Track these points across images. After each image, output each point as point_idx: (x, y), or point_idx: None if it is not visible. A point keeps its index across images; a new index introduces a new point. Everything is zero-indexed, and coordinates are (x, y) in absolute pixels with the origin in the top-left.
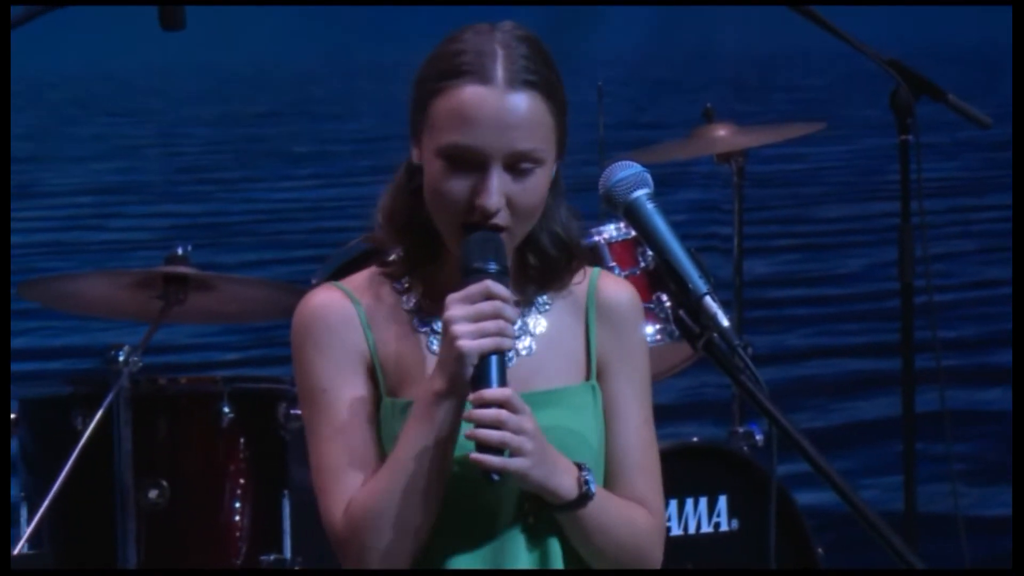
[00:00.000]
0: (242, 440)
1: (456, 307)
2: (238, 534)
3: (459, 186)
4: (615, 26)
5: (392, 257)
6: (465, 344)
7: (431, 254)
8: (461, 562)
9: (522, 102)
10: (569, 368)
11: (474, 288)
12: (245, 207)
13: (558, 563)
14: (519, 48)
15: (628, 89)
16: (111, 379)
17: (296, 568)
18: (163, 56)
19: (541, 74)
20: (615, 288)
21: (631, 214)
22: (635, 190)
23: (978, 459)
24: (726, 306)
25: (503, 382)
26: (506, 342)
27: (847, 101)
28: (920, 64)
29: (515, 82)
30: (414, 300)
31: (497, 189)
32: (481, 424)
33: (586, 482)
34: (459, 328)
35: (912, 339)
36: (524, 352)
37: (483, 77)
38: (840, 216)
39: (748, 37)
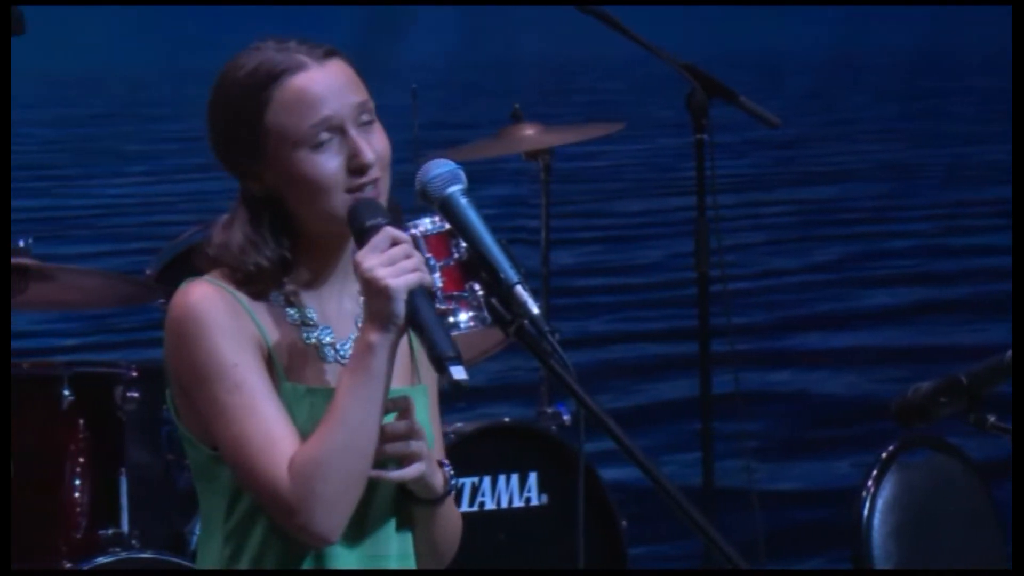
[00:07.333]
0: (81, 421)
1: (368, 258)
2: (78, 509)
3: (332, 162)
4: (423, 34)
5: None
6: (392, 282)
7: (286, 265)
8: (347, 554)
9: (335, 66)
10: (400, 371)
11: (378, 238)
12: (82, 202)
13: (411, 557)
14: (293, 40)
15: (439, 92)
16: None
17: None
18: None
19: (331, 48)
20: None
21: (446, 208)
22: (449, 186)
23: (769, 436)
24: (534, 294)
25: (434, 312)
26: (426, 277)
27: (643, 103)
28: (712, 68)
29: (318, 56)
30: (283, 297)
31: (364, 144)
32: (395, 436)
33: (451, 476)
34: (380, 272)
35: (708, 325)
36: None
37: (295, 67)
38: (639, 210)
39: (549, 43)
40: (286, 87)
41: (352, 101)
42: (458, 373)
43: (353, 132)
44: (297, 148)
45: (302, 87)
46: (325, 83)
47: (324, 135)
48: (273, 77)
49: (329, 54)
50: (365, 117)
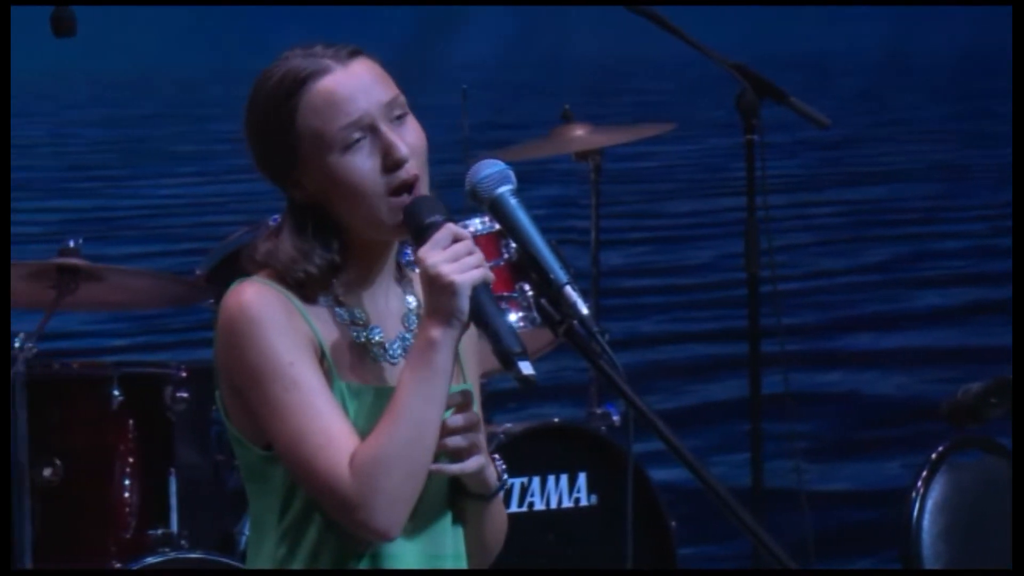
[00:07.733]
0: (131, 421)
1: (431, 254)
2: (127, 509)
3: (368, 162)
4: (474, 34)
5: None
6: (458, 278)
7: (335, 268)
8: (405, 551)
9: (361, 65)
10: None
11: (440, 234)
12: (131, 203)
13: (463, 556)
14: (319, 44)
15: (489, 92)
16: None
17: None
18: (54, 62)
19: (355, 48)
20: None
21: (496, 209)
22: (500, 186)
23: (819, 437)
24: (584, 295)
25: (498, 307)
26: (489, 273)
27: (694, 103)
28: (762, 68)
29: (342, 58)
30: (332, 298)
31: (397, 139)
32: (455, 430)
33: (504, 471)
34: (445, 268)
35: (758, 325)
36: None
37: (320, 71)
38: (689, 211)
39: (600, 44)
40: (312, 92)
41: (380, 99)
42: (526, 368)
43: (384, 129)
44: (330, 152)
45: (328, 90)
46: (351, 83)
47: (355, 135)
48: (299, 83)
49: (353, 54)
50: (397, 112)
